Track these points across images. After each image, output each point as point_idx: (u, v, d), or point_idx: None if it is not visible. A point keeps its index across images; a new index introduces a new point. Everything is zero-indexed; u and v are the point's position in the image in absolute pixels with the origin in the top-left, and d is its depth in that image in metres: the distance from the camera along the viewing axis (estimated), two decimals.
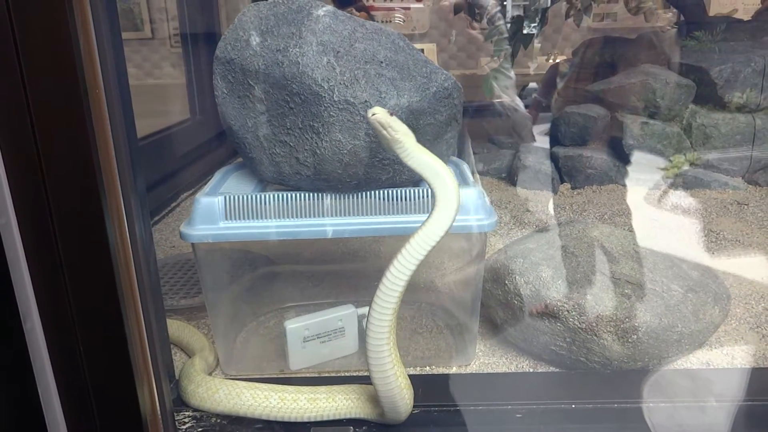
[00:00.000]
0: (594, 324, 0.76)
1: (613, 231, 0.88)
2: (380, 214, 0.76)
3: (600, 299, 0.78)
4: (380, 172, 0.74)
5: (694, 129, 1.67)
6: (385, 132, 0.58)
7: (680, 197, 1.61)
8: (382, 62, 0.72)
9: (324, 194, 0.75)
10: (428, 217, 0.60)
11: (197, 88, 1.95)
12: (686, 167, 1.69)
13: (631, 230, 1.34)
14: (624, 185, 1.68)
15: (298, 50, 0.71)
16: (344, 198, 0.75)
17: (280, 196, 0.75)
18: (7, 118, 0.49)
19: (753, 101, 1.66)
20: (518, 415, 0.69)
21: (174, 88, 2.02)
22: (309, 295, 1.02)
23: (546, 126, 1.88)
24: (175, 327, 0.91)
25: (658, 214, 1.48)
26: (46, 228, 0.52)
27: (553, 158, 1.74)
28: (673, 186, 1.68)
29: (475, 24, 2.02)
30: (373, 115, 0.58)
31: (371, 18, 1.91)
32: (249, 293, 0.99)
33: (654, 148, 1.64)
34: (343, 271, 1.09)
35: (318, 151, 0.72)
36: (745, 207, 1.52)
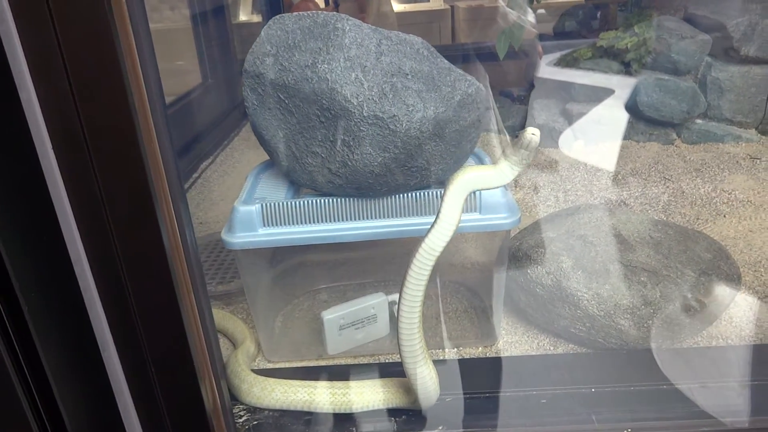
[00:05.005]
0: (612, 312, 0.82)
1: (629, 217, 0.92)
2: (412, 215, 0.80)
3: (617, 288, 0.83)
4: (409, 179, 0.78)
5: (709, 83, 1.67)
6: (524, 151, 0.61)
7: (692, 153, 1.63)
8: (408, 74, 0.74)
9: (356, 199, 0.79)
10: (431, 228, 0.65)
11: (207, 55, 1.94)
12: (699, 121, 1.70)
13: (645, 205, 1.38)
14: (638, 141, 1.70)
15: (327, 66, 0.73)
16: (376, 202, 0.80)
17: (315, 201, 0.79)
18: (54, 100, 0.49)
19: None
20: (543, 401, 0.76)
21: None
22: (335, 276, 1.08)
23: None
24: (219, 317, 0.98)
25: (671, 173, 1.51)
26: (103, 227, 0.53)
27: (567, 115, 1.75)
28: (687, 141, 1.70)
29: None
30: (533, 135, 0.59)
31: None
32: (282, 279, 1.05)
33: (668, 104, 1.65)
34: (364, 257, 1.14)
35: (349, 163, 0.75)
36: (758, 161, 1.55)
